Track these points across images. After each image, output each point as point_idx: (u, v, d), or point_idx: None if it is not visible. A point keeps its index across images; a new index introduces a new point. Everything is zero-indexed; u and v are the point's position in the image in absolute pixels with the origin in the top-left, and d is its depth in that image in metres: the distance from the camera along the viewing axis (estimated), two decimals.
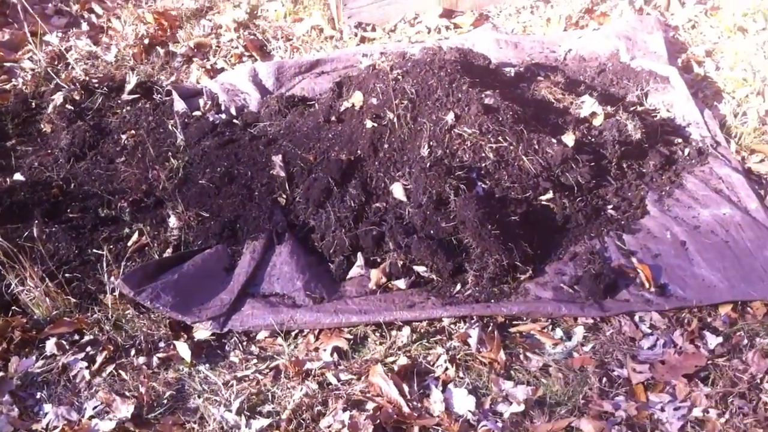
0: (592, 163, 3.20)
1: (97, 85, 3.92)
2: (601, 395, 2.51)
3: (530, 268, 2.88)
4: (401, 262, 2.88)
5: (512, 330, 2.77)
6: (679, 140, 3.53)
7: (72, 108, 3.79)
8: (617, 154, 3.30)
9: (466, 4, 4.57)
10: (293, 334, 2.76)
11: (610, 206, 3.18)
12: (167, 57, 4.30)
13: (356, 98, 3.29)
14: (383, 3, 4.46)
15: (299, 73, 4.02)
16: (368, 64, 3.49)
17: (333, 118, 3.32)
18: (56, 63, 4.21)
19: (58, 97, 3.83)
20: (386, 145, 3.16)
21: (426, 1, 4.50)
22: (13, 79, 4.11)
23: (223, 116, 3.68)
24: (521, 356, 2.67)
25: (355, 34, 4.43)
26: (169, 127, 3.59)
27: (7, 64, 4.24)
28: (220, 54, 4.33)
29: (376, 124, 3.18)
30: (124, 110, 3.77)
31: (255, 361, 2.68)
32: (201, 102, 3.79)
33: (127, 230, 3.13)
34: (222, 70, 4.19)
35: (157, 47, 4.36)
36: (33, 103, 3.94)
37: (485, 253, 2.83)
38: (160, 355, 2.68)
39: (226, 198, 3.18)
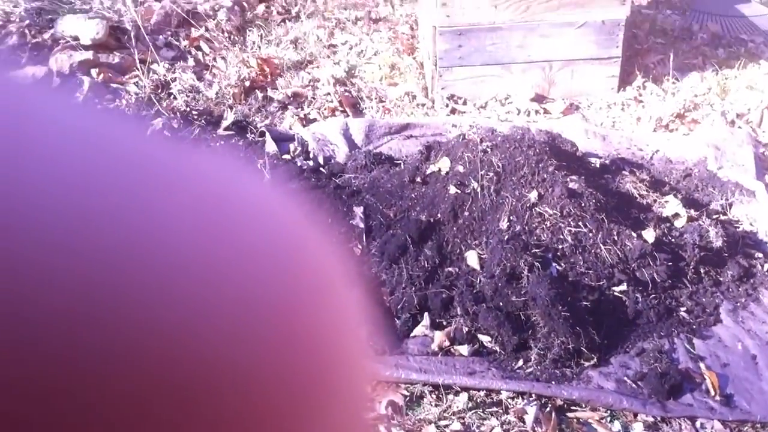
0: (670, 263, 3.17)
1: (195, 117, 4.09)
2: None
3: (595, 356, 2.85)
4: (467, 329, 2.88)
5: (570, 415, 2.73)
6: (760, 255, 3.48)
7: (169, 135, 3.94)
8: (696, 259, 3.27)
9: (558, 92, 4.64)
10: None
11: (683, 308, 3.14)
12: (264, 101, 4.46)
13: (443, 163, 3.35)
14: (477, 79, 4.56)
15: (389, 133, 4.12)
16: (458, 134, 3.57)
17: (418, 180, 3.38)
18: (160, 91, 4.41)
19: (158, 123, 4.00)
20: (466, 213, 3.20)
21: (519, 83, 4.59)
22: (117, 100, 4.31)
23: (311, 163, 3.78)
24: None
25: (446, 105, 4.53)
26: (258, 165, 3.71)
27: (114, 86, 4.45)
28: (315, 105, 4.47)
29: (459, 191, 3.23)
30: (218, 144, 3.91)
31: None
32: (291, 147, 3.91)
33: None
34: (314, 120, 4.32)
35: (256, 90, 4.53)
36: None
37: (552, 333, 2.81)
38: None
39: None
